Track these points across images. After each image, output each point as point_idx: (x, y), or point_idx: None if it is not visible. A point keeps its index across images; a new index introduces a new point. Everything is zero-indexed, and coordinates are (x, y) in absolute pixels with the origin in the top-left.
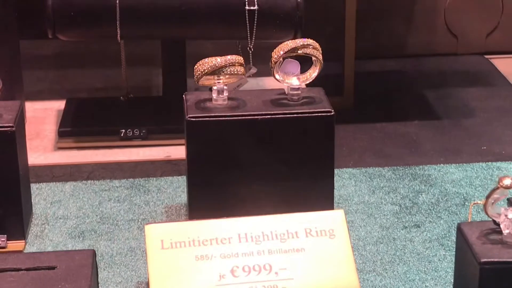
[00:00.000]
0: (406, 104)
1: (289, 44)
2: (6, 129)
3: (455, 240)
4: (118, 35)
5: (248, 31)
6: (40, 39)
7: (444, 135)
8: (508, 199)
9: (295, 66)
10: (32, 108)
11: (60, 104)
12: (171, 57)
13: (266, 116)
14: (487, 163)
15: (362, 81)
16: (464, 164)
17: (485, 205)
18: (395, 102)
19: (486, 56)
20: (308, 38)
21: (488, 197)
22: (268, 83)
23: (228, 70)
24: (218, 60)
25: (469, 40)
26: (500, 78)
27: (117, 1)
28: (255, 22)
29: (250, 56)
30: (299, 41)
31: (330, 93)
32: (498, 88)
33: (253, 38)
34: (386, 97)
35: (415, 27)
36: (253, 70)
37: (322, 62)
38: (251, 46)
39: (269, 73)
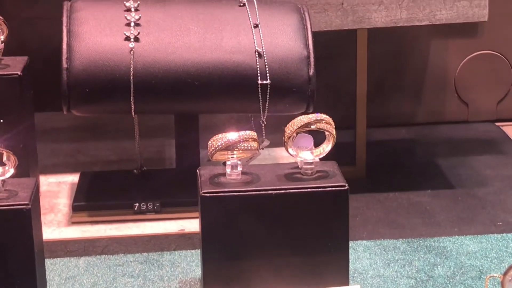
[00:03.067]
0: (418, 173)
1: (303, 119)
2: (21, 207)
3: None
4: (132, 111)
5: (261, 105)
6: (55, 112)
7: (458, 205)
8: None
9: (309, 140)
10: (47, 182)
11: (74, 178)
12: (184, 130)
13: (280, 191)
14: (502, 234)
15: (374, 150)
16: (479, 235)
17: (502, 282)
18: (407, 171)
19: (497, 124)
20: (320, 108)
21: (505, 273)
22: (280, 154)
23: (242, 145)
24: (232, 137)
25: (480, 107)
26: (511, 145)
27: (131, 78)
28: (268, 96)
29: (263, 129)
30: (312, 116)
31: (342, 163)
32: (510, 156)
33: (266, 112)
34: (398, 166)
35: (425, 95)
36: (266, 142)
37: (335, 136)
38: (264, 120)
39: (281, 143)
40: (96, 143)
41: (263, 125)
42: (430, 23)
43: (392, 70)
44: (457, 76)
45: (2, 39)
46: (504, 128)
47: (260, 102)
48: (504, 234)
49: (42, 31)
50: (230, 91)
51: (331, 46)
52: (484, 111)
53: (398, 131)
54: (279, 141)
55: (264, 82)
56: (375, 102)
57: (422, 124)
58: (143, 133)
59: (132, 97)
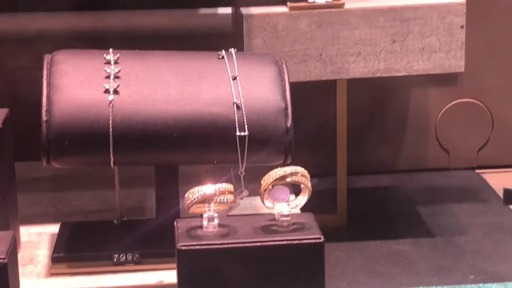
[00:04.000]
0: (399, 221)
1: (278, 172)
2: None
3: None
4: (112, 162)
5: (239, 156)
6: (36, 161)
7: (437, 253)
8: None
9: (285, 192)
10: (27, 232)
11: (55, 228)
12: (164, 181)
13: (256, 244)
14: (478, 284)
15: (355, 197)
16: (456, 285)
17: None
18: (387, 219)
19: (478, 171)
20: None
21: None
22: (261, 203)
23: (218, 198)
24: (208, 190)
25: (461, 155)
26: (491, 193)
27: (111, 130)
28: (246, 147)
29: (242, 180)
30: (288, 169)
31: (323, 211)
32: (490, 204)
33: (244, 163)
34: (379, 214)
35: (406, 142)
36: (245, 193)
37: (310, 189)
38: (243, 171)
39: None
40: (78, 192)
41: (241, 176)
42: (408, 74)
43: (372, 117)
44: (437, 124)
45: None
46: (484, 176)
47: (239, 154)
48: (481, 284)
49: (24, 81)
50: (208, 143)
51: (311, 94)
52: (465, 158)
53: (379, 178)
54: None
55: (242, 133)
56: (356, 149)
57: (403, 171)
58: (124, 182)
59: (111, 149)
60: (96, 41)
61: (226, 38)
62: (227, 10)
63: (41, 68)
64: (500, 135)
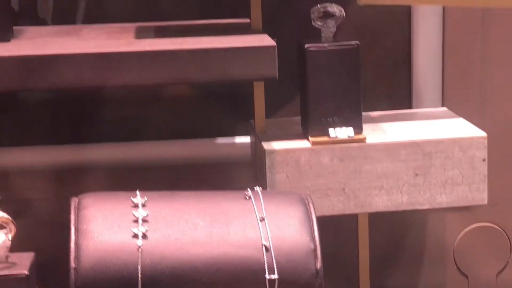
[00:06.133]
0: None
1: None
2: None
3: None
4: None
5: None
6: None
7: None
8: None
9: None
10: None
11: None
12: None
13: None
14: None
15: None
16: None
17: None
18: None
19: None
20: None
21: None
22: None
23: None
24: None
25: (480, 279)
26: None
27: (139, 276)
28: None
29: None
30: None
31: None
32: None
33: None
34: None
35: (425, 268)
36: None
37: None
38: None
39: None
40: None
41: None
42: (431, 207)
43: (390, 243)
44: (456, 249)
45: (10, 238)
46: None
47: None
48: None
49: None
50: (238, 286)
51: (333, 226)
52: (484, 283)
53: None
54: None
55: (272, 277)
56: (375, 276)
57: None
58: None
59: None
60: (116, 173)
61: (244, 167)
62: (245, 139)
63: (68, 213)
64: None
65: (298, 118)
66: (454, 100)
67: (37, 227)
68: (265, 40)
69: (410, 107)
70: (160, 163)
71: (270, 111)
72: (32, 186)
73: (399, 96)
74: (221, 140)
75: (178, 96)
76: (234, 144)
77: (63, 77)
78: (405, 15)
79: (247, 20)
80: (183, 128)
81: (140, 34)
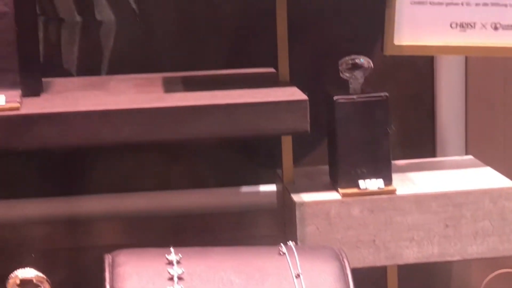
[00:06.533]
0: None
1: None
2: None
3: None
4: None
5: None
6: None
7: None
8: None
9: None
10: None
11: None
12: None
13: None
14: None
15: None
16: None
17: None
18: None
19: None
20: None
21: None
22: None
23: None
24: None
25: None
26: None
27: None
28: None
29: None
30: None
31: None
32: None
33: None
34: None
35: None
36: None
37: None
38: None
39: None
40: None
41: None
42: (462, 258)
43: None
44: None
45: None
46: None
47: None
48: None
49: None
50: None
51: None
52: None
53: None
54: None
55: None
56: None
57: None
58: None
59: None
60: (144, 223)
61: (269, 216)
62: (269, 187)
63: (102, 270)
64: None
65: (324, 168)
66: (478, 148)
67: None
68: (296, 94)
69: (434, 155)
70: (185, 212)
71: (295, 159)
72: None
73: (423, 144)
74: (245, 189)
75: (201, 144)
76: (258, 192)
77: (98, 134)
78: (428, 65)
79: (272, 70)
80: (207, 177)
81: (169, 87)
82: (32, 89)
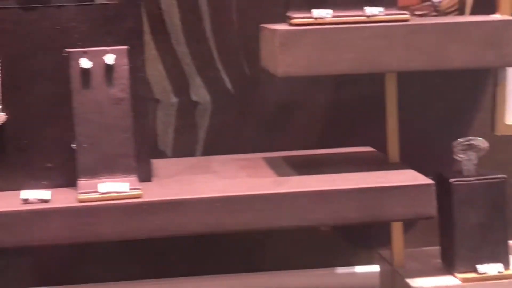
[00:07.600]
0: None
1: None
2: None
3: None
4: None
5: None
6: None
7: None
8: None
9: None
10: None
11: None
12: None
13: None
14: None
15: None
16: None
17: None
18: None
19: None
20: None
21: None
22: None
23: None
24: None
25: None
26: None
27: None
28: None
29: None
30: None
31: None
32: None
33: None
34: None
35: None
36: None
37: None
38: None
39: None
40: None
41: None
42: None
43: None
44: None
45: None
46: None
47: None
48: None
49: None
50: None
51: None
52: None
53: None
54: None
55: None
56: None
57: None
58: None
59: None
60: None
61: None
62: (373, 268)
63: None
64: None
65: (432, 249)
66: None
67: None
68: (418, 178)
69: None
70: None
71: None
72: None
73: None
74: (341, 270)
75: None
76: (355, 273)
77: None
78: None
79: (370, 149)
80: (298, 258)
81: (279, 170)
82: (145, 174)
